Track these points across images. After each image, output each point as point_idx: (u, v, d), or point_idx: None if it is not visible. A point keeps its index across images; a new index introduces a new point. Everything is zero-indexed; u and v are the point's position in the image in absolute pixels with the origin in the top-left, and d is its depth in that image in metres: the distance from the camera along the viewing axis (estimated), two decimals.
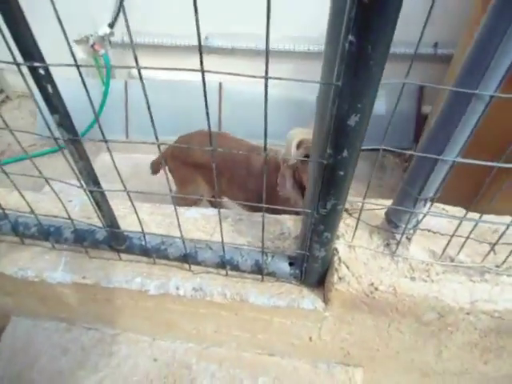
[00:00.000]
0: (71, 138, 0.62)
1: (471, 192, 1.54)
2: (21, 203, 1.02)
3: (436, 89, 0.49)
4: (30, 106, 3.09)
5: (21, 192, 0.82)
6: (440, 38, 2.35)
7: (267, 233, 0.96)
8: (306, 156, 1.15)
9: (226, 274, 0.87)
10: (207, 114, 0.52)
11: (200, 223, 0.99)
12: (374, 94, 0.48)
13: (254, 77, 0.47)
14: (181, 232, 0.78)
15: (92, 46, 2.56)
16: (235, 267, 0.85)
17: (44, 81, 0.54)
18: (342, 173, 0.57)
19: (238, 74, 0.46)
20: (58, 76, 0.58)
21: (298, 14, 2.34)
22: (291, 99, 2.56)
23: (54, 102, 0.57)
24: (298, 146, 1.18)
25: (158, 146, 0.60)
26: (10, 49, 0.50)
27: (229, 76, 0.48)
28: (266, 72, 0.46)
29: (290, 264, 0.83)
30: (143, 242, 0.86)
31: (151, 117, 0.55)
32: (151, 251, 0.87)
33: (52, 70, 0.54)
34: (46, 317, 1.13)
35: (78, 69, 0.53)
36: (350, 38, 0.42)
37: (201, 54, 0.44)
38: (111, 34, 2.58)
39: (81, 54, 2.70)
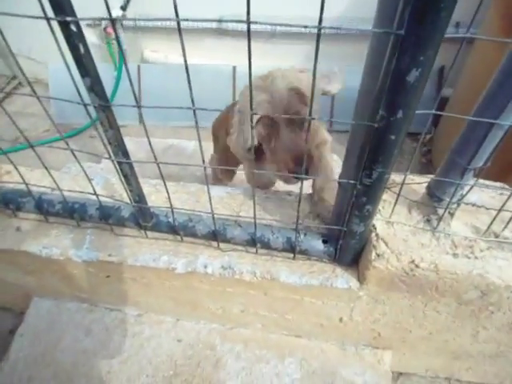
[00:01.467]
0: (102, 104, 0.59)
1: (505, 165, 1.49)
2: (42, 182, 1.01)
3: (457, 71, 0.45)
4: (43, 92, 3.06)
5: (46, 167, 0.79)
6: (462, 17, 2.27)
7: (296, 211, 0.93)
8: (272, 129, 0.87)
9: (256, 252, 0.84)
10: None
11: (226, 201, 0.96)
12: (439, 46, 0.43)
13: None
14: (211, 207, 0.75)
15: (104, 29, 2.52)
16: (266, 245, 0.82)
17: (76, 39, 0.51)
18: (393, 137, 0.53)
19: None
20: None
21: None
22: None
23: (85, 63, 0.53)
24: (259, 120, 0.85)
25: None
26: (41, 2, 0.47)
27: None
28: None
29: (324, 241, 0.79)
30: (170, 219, 0.83)
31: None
32: (179, 228, 0.84)
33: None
34: (68, 297, 1.12)
35: (114, 26, 0.49)
36: None
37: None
38: (124, 16, 2.53)
39: (93, 37, 2.66)
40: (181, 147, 2.07)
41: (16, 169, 0.84)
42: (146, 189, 0.97)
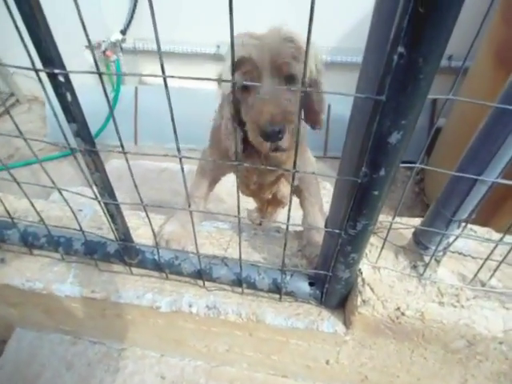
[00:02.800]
0: (88, 149, 0.59)
1: (489, 208, 1.50)
2: (30, 211, 1.00)
3: (450, 101, 0.46)
4: (39, 110, 3.08)
5: (31, 201, 0.79)
6: (455, 50, 2.33)
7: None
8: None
9: (242, 292, 0.83)
10: None
11: (214, 236, 0.95)
12: (420, 111, 0.44)
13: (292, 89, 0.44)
14: (196, 247, 0.75)
15: (104, 52, 2.56)
16: (252, 285, 0.81)
17: (63, 88, 0.51)
18: (376, 192, 0.53)
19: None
20: None
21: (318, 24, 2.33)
22: None
23: (72, 110, 0.54)
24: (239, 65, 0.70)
25: (180, 160, 0.56)
26: (29, 54, 0.47)
27: None
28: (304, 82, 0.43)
29: (311, 284, 0.79)
30: (156, 257, 0.82)
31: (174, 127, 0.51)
32: (164, 266, 0.83)
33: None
34: (51, 329, 1.09)
35: (100, 77, 0.50)
36: (400, 49, 0.39)
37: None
38: (123, 40, 2.58)
39: (92, 60, 2.69)
40: (173, 171, 2.07)
41: (0, 201, 0.83)
42: (134, 221, 0.97)
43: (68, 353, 1.08)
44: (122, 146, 0.56)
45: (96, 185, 0.65)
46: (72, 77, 0.51)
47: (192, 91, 2.54)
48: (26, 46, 0.47)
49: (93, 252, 0.85)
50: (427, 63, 0.39)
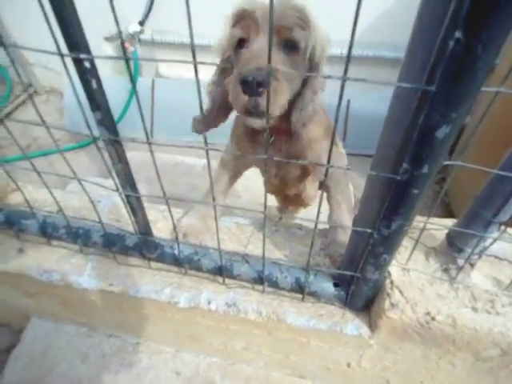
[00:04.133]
0: (112, 139, 0.56)
1: None
2: (48, 201, 0.99)
3: (478, 97, 0.42)
4: (57, 102, 3.09)
5: (51, 191, 0.77)
6: None
7: (306, 247, 0.89)
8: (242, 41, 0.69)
9: (263, 291, 0.81)
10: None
11: (234, 232, 0.93)
12: (472, 103, 0.40)
13: (330, 77, 0.41)
14: (218, 243, 0.72)
15: (122, 43, 2.54)
16: (273, 284, 0.78)
17: (89, 75, 0.49)
18: (416, 191, 0.50)
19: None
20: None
21: (331, 17, 2.27)
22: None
23: (97, 98, 0.52)
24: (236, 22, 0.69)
25: (207, 151, 0.54)
26: (55, 39, 0.45)
27: None
28: (346, 71, 0.40)
29: (335, 284, 0.76)
30: (176, 252, 0.80)
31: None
32: (183, 261, 0.81)
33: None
34: (67, 320, 1.09)
35: (127, 62, 0.47)
36: (457, 34, 0.35)
37: None
38: (141, 31, 2.56)
39: (110, 51, 2.69)
40: (190, 165, 2.05)
41: (20, 190, 0.82)
42: (153, 215, 0.95)
43: (83, 345, 1.08)
44: (147, 135, 0.54)
45: (118, 176, 0.63)
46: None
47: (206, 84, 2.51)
48: (51, 31, 0.45)
49: (111, 244, 0.84)
50: (486, 51, 0.36)
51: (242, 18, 0.67)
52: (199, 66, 0.46)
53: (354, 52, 2.34)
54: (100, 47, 2.65)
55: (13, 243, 0.93)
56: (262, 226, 0.92)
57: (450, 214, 2.06)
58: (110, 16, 0.42)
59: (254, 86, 0.57)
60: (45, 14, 0.43)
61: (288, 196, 1.18)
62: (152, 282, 0.84)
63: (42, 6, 0.42)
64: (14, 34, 2.72)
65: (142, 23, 2.55)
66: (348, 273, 0.69)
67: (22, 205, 0.91)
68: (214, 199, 0.62)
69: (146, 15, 2.51)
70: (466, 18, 0.34)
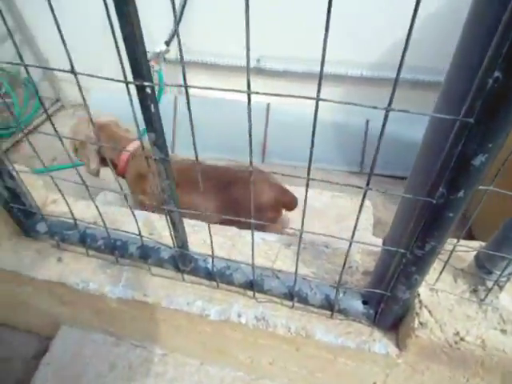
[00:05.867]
0: (162, 158, 0.61)
1: None
2: (86, 213, 1.04)
3: None
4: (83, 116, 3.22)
5: (96, 205, 0.82)
6: None
7: (333, 265, 0.92)
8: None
9: (292, 306, 0.83)
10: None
11: (262, 248, 0.96)
12: (507, 134, 0.44)
13: (375, 107, 0.45)
14: (253, 258, 0.76)
15: (148, 61, 2.65)
16: (303, 300, 0.81)
17: (149, 100, 0.54)
18: (451, 214, 0.52)
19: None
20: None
21: (352, 38, 2.34)
22: (337, 124, 2.52)
23: (153, 121, 0.56)
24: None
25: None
26: (123, 67, 0.50)
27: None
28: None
29: (364, 302, 0.78)
30: (209, 265, 0.83)
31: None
32: (216, 275, 0.84)
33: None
34: (96, 329, 1.12)
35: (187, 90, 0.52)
36: (496, 73, 0.39)
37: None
38: (167, 51, 2.67)
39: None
40: None
41: (66, 201, 0.87)
42: (186, 229, 0.99)
43: (111, 354, 1.11)
44: (196, 154, 0.58)
45: (163, 191, 0.67)
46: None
47: (233, 103, 2.59)
48: (121, 61, 0.50)
49: (147, 257, 0.88)
50: None
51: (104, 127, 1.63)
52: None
53: (370, 73, 2.39)
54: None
55: (52, 252, 0.98)
56: (291, 243, 0.96)
57: (468, 234, 2.05)
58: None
59: None
60: (117, 49, 0.48)
61: None
62: (184, 294, 0.88)
63: (116, 42, 0.48)
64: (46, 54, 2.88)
65: (168, 43, 2.66)
66: (379, 291, 0.71)
67: (61, 216, 0.97)
68: (251, 216, 0.66)
69: (173, 35, 2.63)
70: (504, 60, 0.38)
